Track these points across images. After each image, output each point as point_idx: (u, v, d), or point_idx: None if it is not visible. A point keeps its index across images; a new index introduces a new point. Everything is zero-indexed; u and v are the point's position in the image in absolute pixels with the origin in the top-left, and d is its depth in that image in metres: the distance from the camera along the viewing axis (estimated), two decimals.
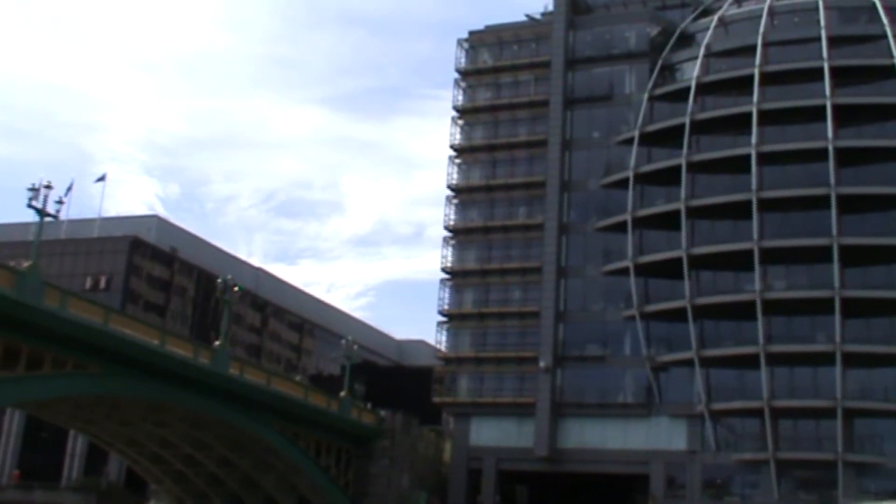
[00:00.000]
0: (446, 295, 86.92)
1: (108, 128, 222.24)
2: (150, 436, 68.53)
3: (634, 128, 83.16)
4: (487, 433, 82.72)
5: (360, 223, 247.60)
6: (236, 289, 63.99)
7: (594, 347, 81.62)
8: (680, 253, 77.07)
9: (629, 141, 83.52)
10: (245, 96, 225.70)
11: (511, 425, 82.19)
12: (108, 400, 59.63)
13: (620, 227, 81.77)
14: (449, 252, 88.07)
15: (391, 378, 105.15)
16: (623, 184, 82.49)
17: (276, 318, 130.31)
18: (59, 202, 48.55)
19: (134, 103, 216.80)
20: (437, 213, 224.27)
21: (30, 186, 47.21)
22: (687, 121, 79.91)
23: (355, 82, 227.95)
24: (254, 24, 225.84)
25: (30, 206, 47.41)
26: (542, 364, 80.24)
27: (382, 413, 79.13)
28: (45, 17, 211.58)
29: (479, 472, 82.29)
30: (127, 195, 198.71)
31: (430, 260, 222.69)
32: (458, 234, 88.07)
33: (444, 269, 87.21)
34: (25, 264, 46.91)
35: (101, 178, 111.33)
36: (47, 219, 48.33)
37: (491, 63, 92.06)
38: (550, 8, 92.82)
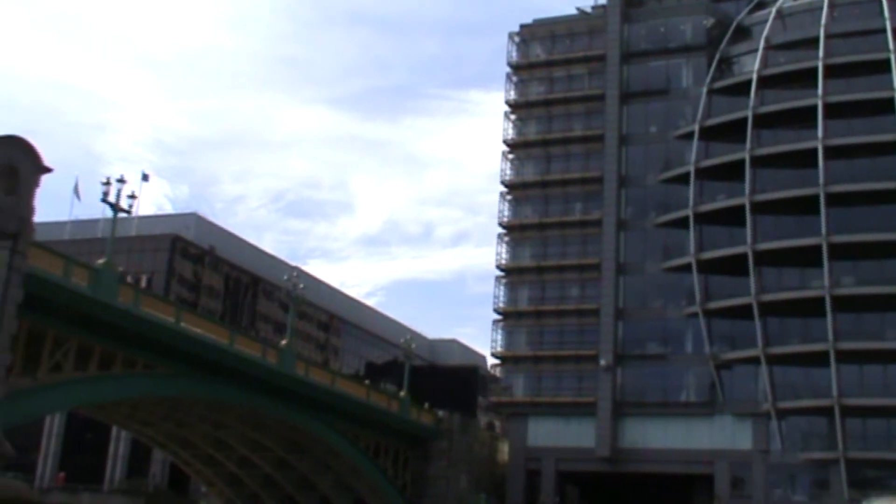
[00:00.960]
0: (501, 293, 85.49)
1: (117, 127, 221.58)
2: (207, 437, 67.45)
3: (693, 122, 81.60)
4: (545, 433, 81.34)
5: (369, 223, 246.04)
6: (302, 286, 62.89)
7: (654, 345, 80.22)
8: (744, 249, 75.49)
9: (688, 135, 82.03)
10: (252, 96, 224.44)
11: (570, 425, 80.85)
12: (168, 401, 58.47)
13: (680, 223, 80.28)
14: (503, 249, 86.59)
15: (425, 378, 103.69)
16: (682, 179, 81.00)
17: (309, 316, 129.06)
18: (132, 196, 47.41)
19: (140, 102, 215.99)
20: (445, 213, 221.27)
21: (103, 181, 46.19)
22: (750, 114, 78.32)
23: (363, 82, 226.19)
24: (260, 23, 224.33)
25: (104, 200, 46.34)
26: (602, 363, 78.88)
27: (440, 413, 77.89)
28: (50, 15, 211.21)
29: (537, 473, 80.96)
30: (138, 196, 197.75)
31: (439, 260, 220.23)
32: (513, 231, 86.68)
33: (498, 267, 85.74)
34: (100, 261, 45.77)
35: (145, 178, 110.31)
36: (120, 214, 47.26)
37: (544, 57, 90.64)
38: (602, 1, 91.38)
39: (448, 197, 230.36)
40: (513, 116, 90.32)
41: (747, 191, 76.45)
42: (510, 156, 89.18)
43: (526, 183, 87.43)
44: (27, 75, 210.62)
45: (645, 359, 79.87)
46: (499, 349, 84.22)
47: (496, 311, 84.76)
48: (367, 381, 72.80)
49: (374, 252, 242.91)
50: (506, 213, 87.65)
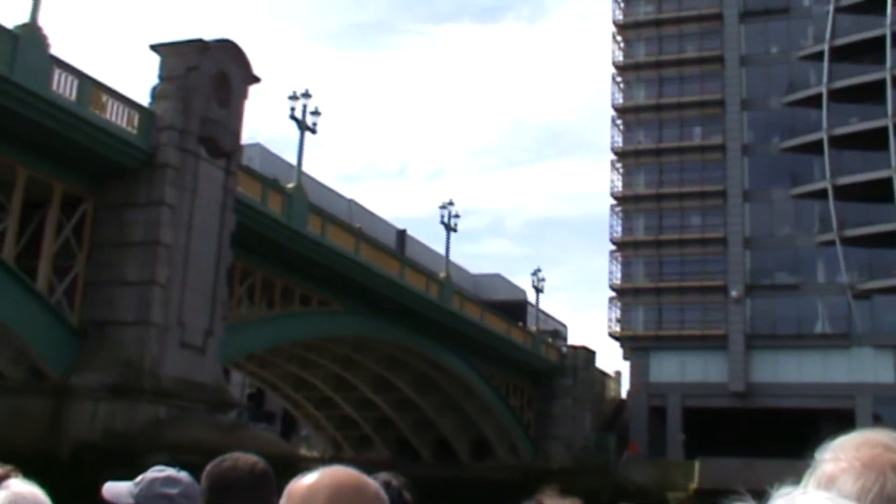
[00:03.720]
0: (617, 223, 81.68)
1: None
2: (329, 378, 64.15)
3: (822, 42, 77.23)
4: (669, 368, 77.94)
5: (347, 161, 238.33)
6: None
7: (784, 275, 76.73)
8: (888, 173, 71.56)
9: (813, 56, 77.77)
10: (226, 33, 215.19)
11: (696, 359, 77.43)
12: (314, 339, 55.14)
13: (808, 148, 76.37)
14: (616, 177, 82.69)
15: None
16: (810, 102, 76.90)
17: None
18: (316, 113, 43.44)
19: None
20: (420, 150, 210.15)
21: (290, 95, 42.22)
22: (888, 32, 73.91)
23: (339, 17, 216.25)
24: None
25: (291, 117, 42.41)
26: (733, 294, 75.40)
27: (564, 349, 74.71)
28: None
29: (660, 410, 77.73)
30: None
31: (416, 198, 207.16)
32: (625, 158, 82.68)
33: (613, 196, 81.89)
34: (290, 185, 41.96)
35: None
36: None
37: None
38: None
39: (424, 135, 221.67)
40: (619, 38, 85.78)
41: (890, 111, 72.30)
42: (618, 79, 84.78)
43: (639, 107, 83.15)
44: None
45: (775, 289, 76.39)
46: (616, 281, 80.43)
47: (612, 241, 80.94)
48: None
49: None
50: (617, 139, 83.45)
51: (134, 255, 32.27)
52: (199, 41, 33.99)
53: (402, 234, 49.66)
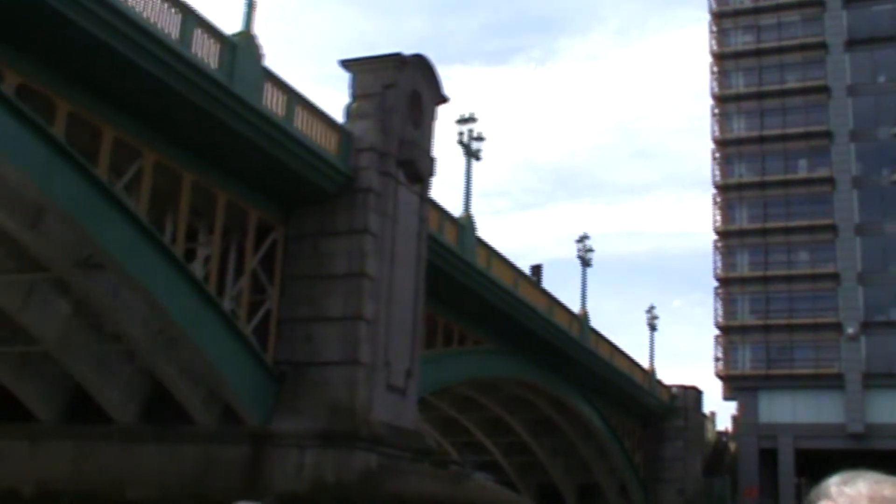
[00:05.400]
0: (718, 259, 78.62)
1: None
2: (437, 420, 60.98)
3: None
4: (779, 408, 74.53)
5: None
6: None
7: None
8: None
9: None
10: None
11: (808, 399, 74.02)
12: None
13: None
14: (716, 211, 79.74)
15: None
16: None
17: None
18: (479, 139, 40.70)
19: None
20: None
21: (458, 119, 39.53)
22: None
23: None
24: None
25: (459, 142, 39.74)
26: (850, 331, 72.19)
27: (674, 389, 71.49)
28: None
29: (771, 452, 74.19)
30: None
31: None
32: (727, 191, 79.73)
33: (715, 231, 78.89)
34: (459, 215, 39.16)
35: None
36: None
37: (750, 4, 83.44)
38: None
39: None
40: (715, 68, 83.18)
41: None
42: (716, 110, 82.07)
43: (740, 139, 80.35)
44: None
45: (891, 326, 73.00)
46: (721, 319, 77.20)
47: (716, 278, 77.81)
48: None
49: None
50: (716, 172, 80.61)
51: (336, 289, 29.45)
52: (398, 56, 31.41)
53: (537, 269, 46.65)
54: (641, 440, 69.58)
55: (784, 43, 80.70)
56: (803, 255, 76.55)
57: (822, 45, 79.05)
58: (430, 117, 33.43)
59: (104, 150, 24.11)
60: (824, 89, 78.17)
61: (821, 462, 71.97)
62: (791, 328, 74.77)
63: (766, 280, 76.56)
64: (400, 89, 31.37)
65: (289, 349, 29.43)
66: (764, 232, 77.45)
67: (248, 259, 29.02)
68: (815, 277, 75.08)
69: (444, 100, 33.83)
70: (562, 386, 53.35)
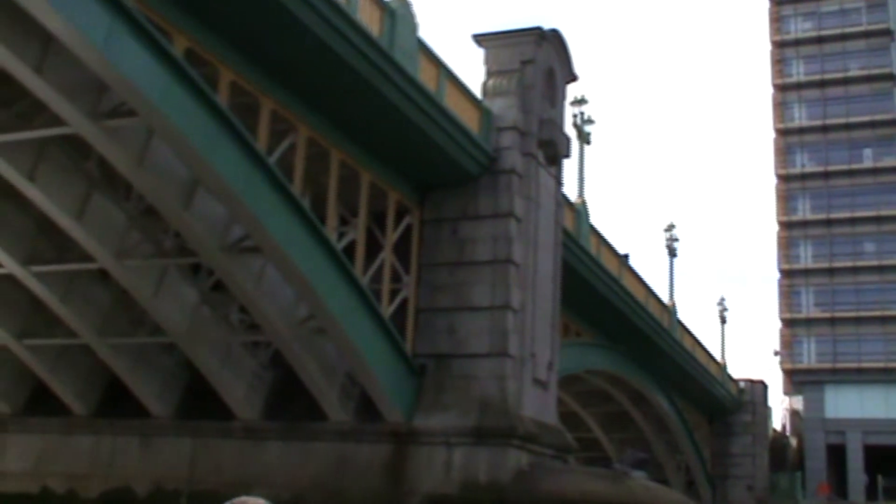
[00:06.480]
0: (779, 250, 76.73)
1: None
2: None
3: None
4: (847, 403, 72.59)
5: None
6: None
7: None
8: None
9: None
10: None
11: (876, 394, 72.14)
12: None
13: None
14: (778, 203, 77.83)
15: None
16: None
17: None
18: (589, 121, 38.85)
19: None
20: None
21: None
22: None
23: None
24: None
25: (573, 125, 37.91)
26: None
27: (741, 383, 69.69)
28: None
29: (838, 448, 72.34)
30: None
31: None
32: (790, 181, 77.83)
33: (778, 222, 77.00)
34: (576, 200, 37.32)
35: None
36: None
37: None
38: None
39: None
40: (777, 56, 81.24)
41: None
42: (778, 99, 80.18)
43: (803, 128, 78.42)
44: None
45: None
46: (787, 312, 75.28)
47: (779, 270, 75.93)
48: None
49: None
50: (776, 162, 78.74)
51: (481, 277, 27.58)
52: (537, 30, 29.54)
53: (624, 259, 44.83)
54: (709, 435, 67.84)
55: (847, 30, 78.68)
56: (869, 246, 74.80)
57: (887, 32, 77.13)
58: (562, 96, 31.56)
59: (263, 123, 22.26)
60: (890, 77, 76.28)
61: (891, 459, 70.55)
62: (858, 321, 72.92)
63: (831, 272, 74.69)
64: (538, 66, 29.52)
65: (429, 341, 27.59)
66: (828, 222, 75.56)
67: (388, 244, 27.14)
68: (882, 269, 73.22)
69: (574, 78, 31.99)
70: (645, 378, 51.57)
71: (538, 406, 27.97)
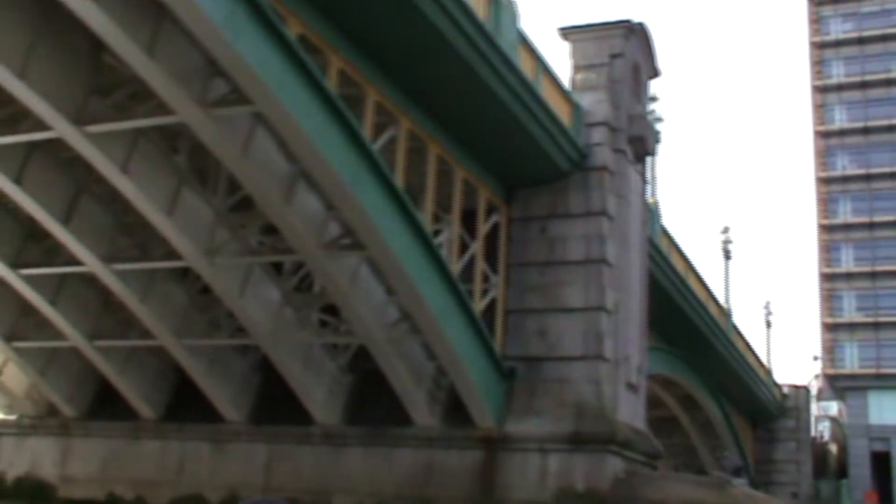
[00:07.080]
0: (820, 254, 75.63)
1: None
2: None
3: None
4: (891, 409, 71.40)
5: None
6: None
7: None
8: None
9: None
10: None
11: None
12: None
13: None
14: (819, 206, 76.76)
15: None
16: None
17: None
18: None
19: None
20: None
21: None
22: None
23: None
24: None
25: None
26: None
27: (785, 388, 68.60)
28: None
29: (882, 455, 71.18)
30: None
31: None
32: (831, 184, 76.73)
33: (819, 225, 75.89)
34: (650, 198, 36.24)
35: None
36: None
37: None
38: None
39: None
40: (816, 58, 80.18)
41: None
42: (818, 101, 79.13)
43: (843, 130, 77.33)
44: None
45: None
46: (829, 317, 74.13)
47: (821, 273, 74.82)
48: None
49: None
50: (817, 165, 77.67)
51: (573, 277, 26.58)
52: (626, 23, 28.61)
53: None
54: (752, 441, 66.77)
55: (889, 31, 77.66)
56: None
57: None
58: (646, 92, 30.61)
59: (368, 114, 21.29)
60: None
61: None
62: None
63: (873, 275, 73.57)
64: (626, 60, 28.59)
65: (519, 343, 26.60)
66: (871, 226, 74.45)
67: (478, 243, 26.17)
68: None
69: (657, 73, 31.03)
70: (697, 382, 50.52)
71: (631, 411, 27.00)
